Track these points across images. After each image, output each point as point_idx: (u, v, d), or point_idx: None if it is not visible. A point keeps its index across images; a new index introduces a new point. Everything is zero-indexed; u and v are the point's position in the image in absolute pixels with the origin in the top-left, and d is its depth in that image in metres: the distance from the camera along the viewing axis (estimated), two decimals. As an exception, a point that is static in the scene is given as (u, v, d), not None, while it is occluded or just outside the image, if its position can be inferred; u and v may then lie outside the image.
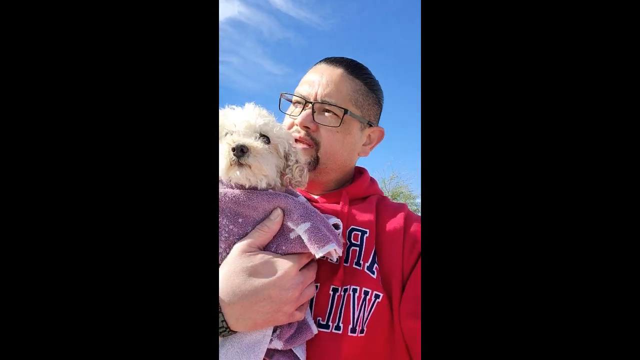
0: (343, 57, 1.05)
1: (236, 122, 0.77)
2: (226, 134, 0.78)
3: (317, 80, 0.99)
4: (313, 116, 0.96)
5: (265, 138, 0.79)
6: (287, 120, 1.03)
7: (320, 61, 1.06)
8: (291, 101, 1.05)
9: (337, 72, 1.00)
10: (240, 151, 0.73)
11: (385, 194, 1.17)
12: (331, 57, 1.05)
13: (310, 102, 0.97)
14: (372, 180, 1.09)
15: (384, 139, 1.13)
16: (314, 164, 0.98)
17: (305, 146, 0.97)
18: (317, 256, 0.75)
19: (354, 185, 1.02)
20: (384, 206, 0.98)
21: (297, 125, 0.98)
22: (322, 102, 0.96)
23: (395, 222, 0.93)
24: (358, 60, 1.06)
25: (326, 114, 0.98)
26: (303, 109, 0.98)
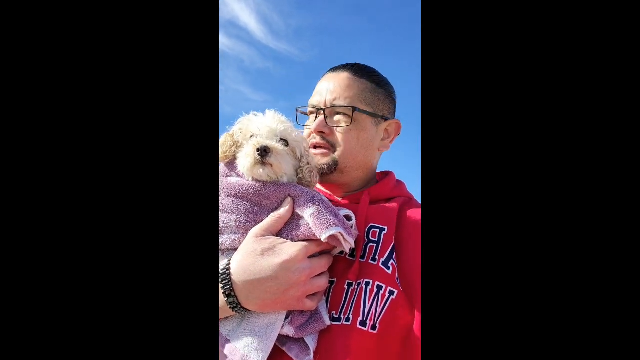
0: (347, 63, 1.11)
1: (260, 127, 0.87)
2: (251, 137, 0.88)
3: (325, 88, 1.06)
4: (326, 121, 1.03)
5: (285, 141, 0.89)
6: (306, 132, 1.09)
7: (327, 71, 1.13)
8: (306, 114, 1.13)
9: (342, 76, 1.06)
10: (264, 151, 0.82)
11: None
12: (336, 66, 1.11)
13: (322, 109, 1.04)
14: (399, 182, 1.11)
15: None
16: (334, 165, 1.03)
17: (323, 150, 1.03)
18: (322, 239, 0.78)
19: (378, 186, 1.05)
20: (409, 206, 0.99)
21: (313, 132, 1.05)
22: (332, 106, 1.03)
23: (418, 219, 0.93)
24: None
25: (337, 116, 1.04)
26: (316, 116, 1.05)
